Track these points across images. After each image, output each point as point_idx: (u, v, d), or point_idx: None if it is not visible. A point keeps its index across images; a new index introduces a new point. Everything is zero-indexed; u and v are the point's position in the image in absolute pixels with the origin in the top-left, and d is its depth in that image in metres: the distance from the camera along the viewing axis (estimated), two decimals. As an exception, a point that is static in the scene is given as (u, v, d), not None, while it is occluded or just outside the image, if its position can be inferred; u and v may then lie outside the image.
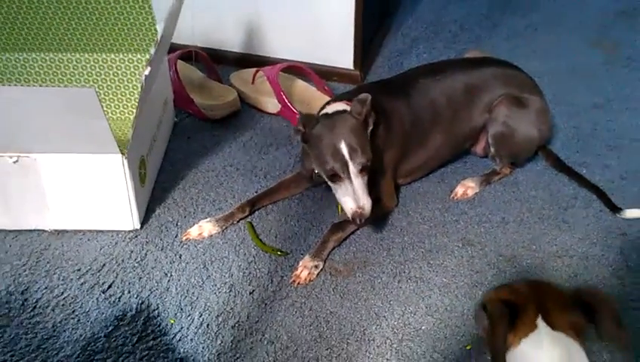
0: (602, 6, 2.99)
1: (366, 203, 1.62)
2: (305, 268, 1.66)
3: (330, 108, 1.73)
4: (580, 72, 2.51)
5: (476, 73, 1.95)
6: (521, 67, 2.03)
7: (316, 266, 1.67)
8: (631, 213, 1.83)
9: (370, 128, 1.68)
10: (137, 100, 1.68)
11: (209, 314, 1.56)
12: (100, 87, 2.10)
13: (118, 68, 2.07)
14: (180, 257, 1.71)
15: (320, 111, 1.79)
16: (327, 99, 2.19)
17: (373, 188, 1.80)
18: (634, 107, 2.30)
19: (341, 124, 1.63)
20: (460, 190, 1.92)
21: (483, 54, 2.37)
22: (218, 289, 1.63)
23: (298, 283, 1.64)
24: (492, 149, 1.95)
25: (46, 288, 1.61)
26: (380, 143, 1.78)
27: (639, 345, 1.49)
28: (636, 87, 2.42)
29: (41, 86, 1.99)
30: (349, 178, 1.61)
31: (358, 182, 1.62)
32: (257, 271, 1.68)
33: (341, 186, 1.63)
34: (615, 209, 1.84)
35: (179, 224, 1.81)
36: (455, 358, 1.47)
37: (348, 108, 1.69)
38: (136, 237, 1.76)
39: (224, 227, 1.79)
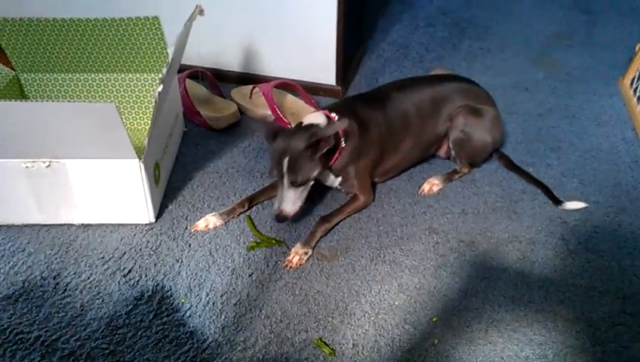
0: (543, 29, 3.00)
1: (288, 209, 1.64)
2: (296, 255, 1.65)
3: (308, 119, 1.71)
4: (526, 86, 2.52)
5: (440, 88, 1.95)
6: (477, 82, 2.03)
7: (306, 253, 1.66)
8: (570, 205, 1.83)
9: (322, 152, 1.63)
10: (152, 113, 1.66)
11: (214, 294, 1.55)
12: (120, 102, 2.08)
13: (135, 86, 2.06)
14: (190, 246, 1.69)
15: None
16: (313, 110, 2.20)
17: (353, 186, 1.81)
18: (571, 115, 2.31)
19: (293, 143, 1.61)
20: (426, 186, 1.92)
21: (445, 71, 2.37)
22: (222, 272, 1.61)
23: (290, 267, 1.63)
24: (453, 152, 1.95)
25: (75, 273, 1.60)
26: (359, 148, 1.77)
27: (581, 319, 1.51)
28: (573, 99, 2.42)
29: (69, 101, 1.96)
30: (283, 186, 1.63)
31: (288, 193, 1.63)
32: (255, 256, 1.67)
33: (278, 188, 1.66)
34: (557, 201, 1.85)
35: (188, 218, 1.79)
36: (423, 329, 1.47)
37: (323, 122, 1.68)
38: (151, 229, 1.75)
39: (227, 220, 1.78)
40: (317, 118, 1.71)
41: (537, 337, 1.45)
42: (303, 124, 1.69)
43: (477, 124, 1.92)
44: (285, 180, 1.62)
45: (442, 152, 2.02)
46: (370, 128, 1.80)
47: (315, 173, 1.66)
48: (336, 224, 1.77)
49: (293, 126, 2.11)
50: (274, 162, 1.63)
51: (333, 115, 1.73)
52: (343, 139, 1.72)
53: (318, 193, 1.85)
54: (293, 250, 1.66)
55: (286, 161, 1.60)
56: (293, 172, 1.61)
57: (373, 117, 1.82)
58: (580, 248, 1.70)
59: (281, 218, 1.65)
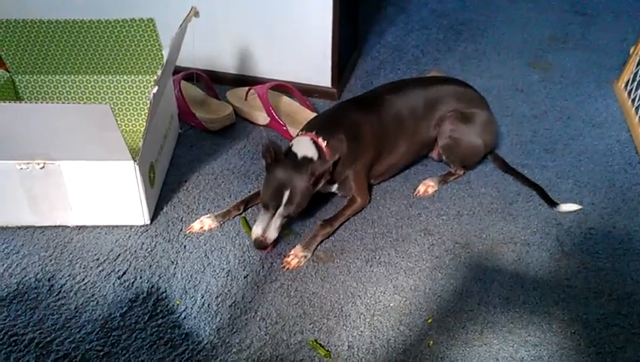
0: (538, 33, 3.01)
1: (271, 236, 1.61)
2: (296, 257, 1.65)
3: (300, 148, 1.69)
4: (521, 89, 2.52)
5: (433, 90, 1.95)
6: (471, 84, 2.04)
7: (305, 256, 1.66)
8: (565, 207, 1.84)
9: (322, 183, 1.66)
10: (147, 115, 1.66)
11: (209, 296, 1.55)
12: (115, 104, 2.08)
13: (130, 87, 2.06)
14: (185, 248, 1.69)
15: (295, 136, 1.79)
16: (308, 112, 2.21)
17: (350, 190, 1.82)
18: (566, 117, 2.32)
19: (296, 178, 1.61)
20: (421, 188, 1.92)
21: (440, 74, 2.38)
22: (217, 274, 1.61)
23: (288, 269, 1.63)
24: (444, 157, 1.96)
25: (69, 275, 1.59)
26: (355, 156, 1.78)
27: (576, 320, 1.51)
28: (568, 101, 2.43)
29: (63, 103, 1.96)
30: (274, 215, 1.61)
31: (277, 221, 1.61)
32: (250, 258, 1.67)
33: (264, 214, 1.63)
34: (552, 203, 1.85)
35: (183, 219, 1.79)
36: (418, 330, 1.47)
37: (314, 153, 1.67)
38: (146, 231, 1.74)
39: (222, 222, 1.77)
40: (307, 147, 1.69)
41: (532, 338, 1.45)
42: (299, 157, 1.66)
43: (465, 130, 1.92)
44: (280, 210, 1.60)
45: (435, 154, 2.03)
46: (363, 134, 1.80)
47: (306, 204, 1.67)
48: (338, 228, 1.77)
49: (287, 129, 2.12)
50: (272, 192, 1.61)
51: (320, 139, 1.71)
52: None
53: (315, 196, 1.85)
54: (292, 251, 1.66)
55: (287, 193, 1.59)
56: (291, 205, 1.60)
57: (365, 121, 1.82)
58: (574, 249, 1.71)
59: (261, 244, 1.61)
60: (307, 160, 1.66)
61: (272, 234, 1.62)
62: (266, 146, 1.63)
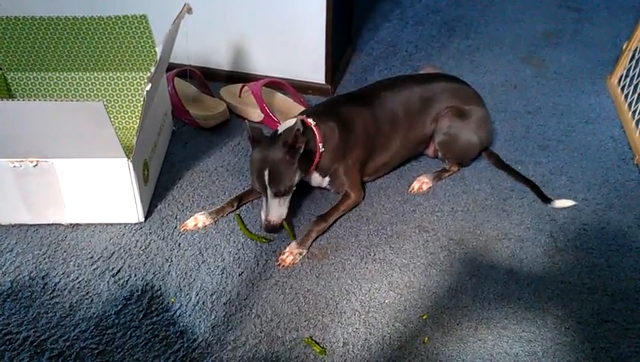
0: (531, 28, 3.01)
1: (274, 218, 1.64)
2: (291, 254, 1.65)
3: (283, 127, 1.70)
4: (515, 84, 2.53)
5: (428, 87, 1.95)
6: (465, 81, 2.04)
7: (300, 253, 1.66)
8: (559, 203, 1.85)
9: (300, 151, 1.64)
10: (140, 112, 1.66)
11: (204, 293, 1.55)
12: (108, 101, 2.08)
13: (124, 84, 2.05)
14: (179, 245, 1.69)
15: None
16: (302, 109, 2.20)
17: (343, 185, 1.82)
18: (560, 113, 2.33)
19: (271, 154, 1.61)
20: (416, 185, 1.93)
21: (434, 70, 2.38)
22: (212, 271, 1.61)
23: (283, 266, 1.63)
24: (440, 153, 1.96)
25: (63, 273, 1.59)
26: (343, 147, 1.78)
27: (571, 316, 1.52)
28: (561, 97, 2.44)
29: (57, 100, 1.95)
30: (267, 198, 1.63)
31: (273, 202, 1.63)
32: (245, 255, 1.67)
33: (262, 200, 1.66)
34: (546, 199, 1.86)
35: (178, 217, 1.79)
36: (413, 326, 1.48)
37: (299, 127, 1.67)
38: (140, 228, 1.74)
39: (216, 219, 1.77)
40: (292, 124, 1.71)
41: (527, 334, 1.46)
42: (279, 132, 1.68)
43: (462, 126, 1.92)
44: (269, 191, 1.62)
45: (430, 152, 2.03)
46: (355, 126, 1.80)
47: (296, 179, 1.67)
48: (332, 223, 1.77)
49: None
50: (255, 175, 1.63)
51: (309, 120, 1.73)
52: (320, 143, 1.72)
53: (308, 193, 1.86)
54: (288, 249, 1.66)
55: (266, 172, 1.60)
56: (275, 183, 1.61)
57: (359, 115, 1.83)
58: (568, 245, 1.72)
59: (270, 228, 1.65)
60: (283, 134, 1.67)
61: (274, 216, 1.64)
62: (248, 132, 1.67)
